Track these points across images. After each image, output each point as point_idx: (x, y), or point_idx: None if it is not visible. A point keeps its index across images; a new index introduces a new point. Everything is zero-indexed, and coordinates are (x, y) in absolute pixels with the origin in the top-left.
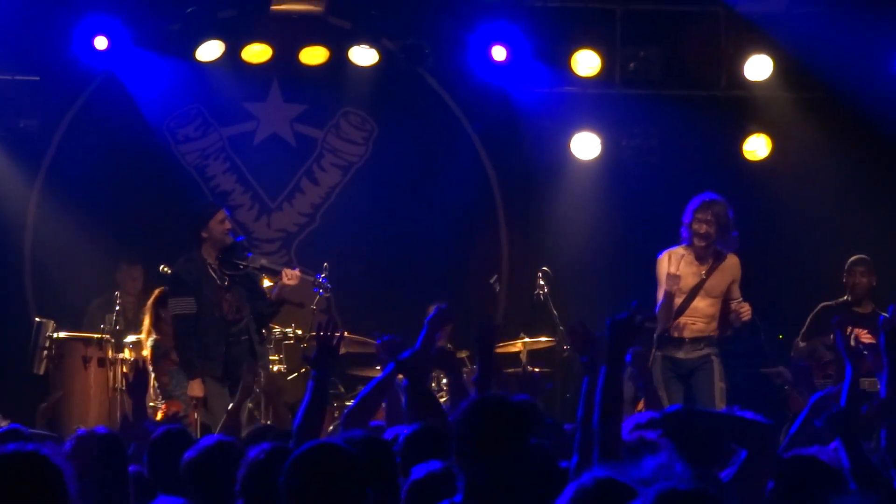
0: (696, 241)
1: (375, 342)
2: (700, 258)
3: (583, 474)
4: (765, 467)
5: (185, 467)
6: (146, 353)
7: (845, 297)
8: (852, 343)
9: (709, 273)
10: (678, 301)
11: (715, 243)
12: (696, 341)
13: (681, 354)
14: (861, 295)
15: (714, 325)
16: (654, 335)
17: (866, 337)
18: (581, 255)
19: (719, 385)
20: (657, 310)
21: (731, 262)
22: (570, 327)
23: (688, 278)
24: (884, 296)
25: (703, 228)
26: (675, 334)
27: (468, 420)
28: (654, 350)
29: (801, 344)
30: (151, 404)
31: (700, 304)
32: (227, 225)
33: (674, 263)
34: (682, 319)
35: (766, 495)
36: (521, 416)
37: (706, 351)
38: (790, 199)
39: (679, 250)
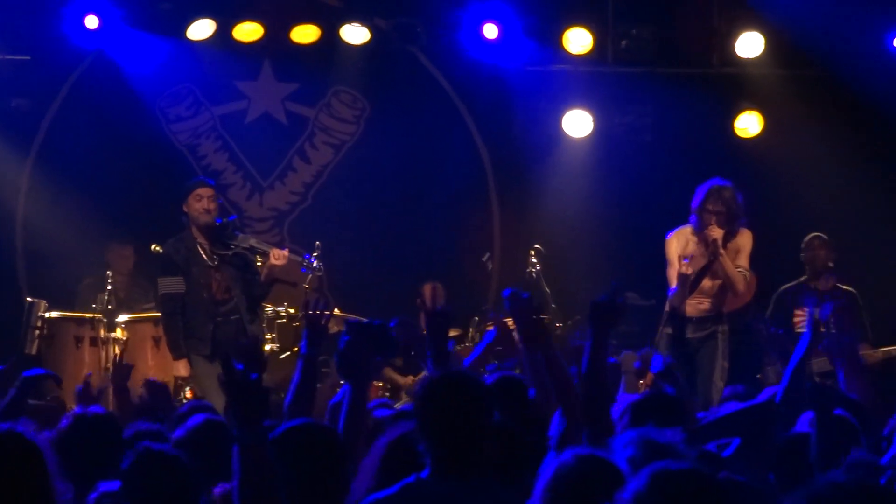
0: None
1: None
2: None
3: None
4: (766, 445)
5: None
6: None
7: (804, 276)
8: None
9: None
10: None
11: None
12: (703, 321)
13: (687, 333)
14: (820, 269)
15: (722, 303)
16: (664, 313)
17: None
18: (573, 232)
19: (722, 364)
20: (670, 293)
21: (740, 240)
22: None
23: (696, 259)
24: (872, 272)
25: (712, 220)
26: (681, 313)
27: (431, 396)
28: (661, 328)
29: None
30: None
31: (707, 284)
32: (204, 203)
33: (681, 245)
34: (690, 300)
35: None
36: (482, 392)
37: (712, 329)
38: (782, 176)
39: (687, 230)
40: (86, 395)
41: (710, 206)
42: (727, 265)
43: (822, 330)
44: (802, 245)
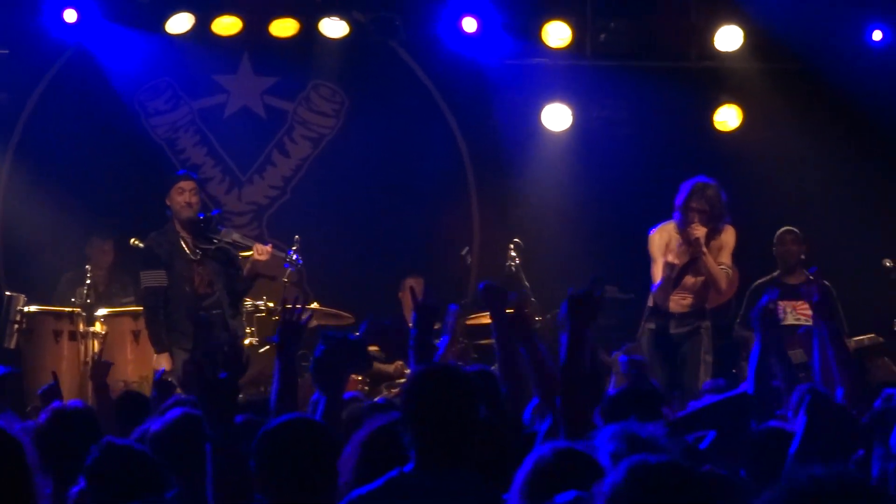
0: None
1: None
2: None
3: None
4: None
5: (152, 440)
6: None
7: (776, 271)
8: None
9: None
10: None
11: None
12: (685, 316)
13: (670, 329)
14: (792, 264)
15: (705, 299)
16: (646, 308)
17: (802, 307)
18: (552, 226)
19: (705, 359)
20: (654, 289)
21: (723, 238)
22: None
23: (679, 255)
24: (850, 265)
25: (695, 218)
26: (665, 308)
27: (419, 389)
28: (643, 323)
29: (738, 328)
30: None
31: (690, 280)
32: (186, 197)
33: (664, 241)
34: (672, 295)
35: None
36: (471, 386)
37: (695, 324)
38: (761, 169)
39: (670, 226)
40: (51, 395)
41: (693, 204)
42: (710, 263)
43: (769, 318)
44: (774, 240)
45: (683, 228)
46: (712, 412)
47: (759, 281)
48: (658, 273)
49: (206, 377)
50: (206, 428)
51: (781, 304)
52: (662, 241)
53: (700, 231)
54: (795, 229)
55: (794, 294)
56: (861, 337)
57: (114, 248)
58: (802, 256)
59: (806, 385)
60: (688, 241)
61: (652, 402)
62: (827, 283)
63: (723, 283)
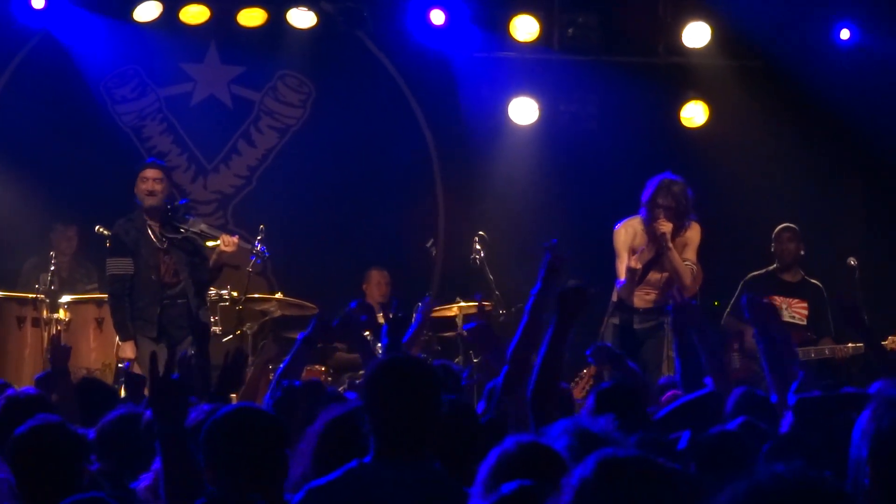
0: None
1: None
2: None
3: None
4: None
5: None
6: None
7: (773, 266)
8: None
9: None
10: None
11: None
12: (649, 312)
13: (634, 324)
14: (790, 262)
15: (669, 295)
16: (610, 303)
17: (798, 305)
18: (517, 219)
19: (669, 355)
20: (618, 285)
21: (688, 234)
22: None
23: (644, 251)
24: (816, 263)
25: (661, 214)
26: (628, 304)
27: (379, 379)
28: (606, 318)
29: (728, 317)
30: None
31: (655, 276)
32: (150, 185)
33: (629, 236)
34: (637, 291)
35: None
36: (433, 377)
37: (659, 320)
38: (727, 166)
39: (636, 221)
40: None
41: (660, 201)
42: (675, 259)
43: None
44: (773, 236)
45: (649, 224)
46: (686, 411)
47: (754, 273)
48: (622, 268)
49: (156, 377)
50: (155, 426)
51: (777, 300)
52: (628, 235)
53: (666, 227)
54: (793, 226)
55: (789, 291)
56: (859, 344)
57: (77, 235)
58: (802, 253)
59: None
60: (653, 237)
61: (637, 399)
62: (819, 284)
63: (687, 280)
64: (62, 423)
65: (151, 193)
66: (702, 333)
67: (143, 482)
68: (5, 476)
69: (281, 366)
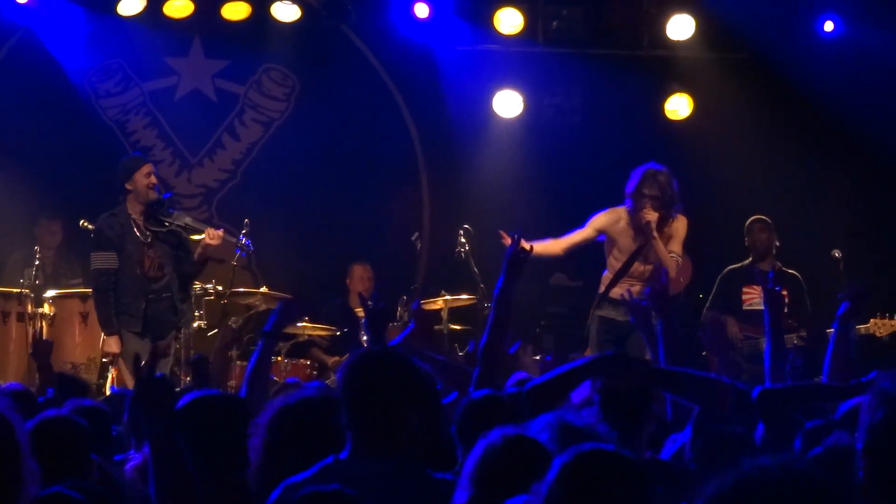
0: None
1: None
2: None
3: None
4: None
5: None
6: None
7: (749, 259)
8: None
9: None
10: (616, 265)
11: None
12: None
13: (618, 316)
14: (763, 252)
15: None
16: (597, 295)
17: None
18: (502, 213)
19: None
20: (604, 273)
21: (674, 225)
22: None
23: (629, 241)
24: (800, 255)
25: (647, 203)
26: (613, 296)
27: (356, 372)
28: (592, 310)
29: (708, 311)
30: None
31: (640, 268)
32: (153, 179)
33: (610, 220)
34: (622, 283)
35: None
36: (412, 371)
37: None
38: (711, 158)
39: (621, 210)
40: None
41: (645, 191)
42: (660, 249)
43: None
44: (745, 228)
45: (635, 214)
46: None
47: (732, 267)
48: (573, 236)
49: (141, 376)
50: (143, 426)
51: (754, 289)
52: (607, 218)
53: (651, 215)
54: (765, 217)
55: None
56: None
57: (62, 229)
58: (777, 244)
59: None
60: (638, 228)
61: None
62: (797, 274)
63: (672, 271)
64: (68, 416)
65: (154, 187)
66: (666, 326)
67: (133, 461)
68: None
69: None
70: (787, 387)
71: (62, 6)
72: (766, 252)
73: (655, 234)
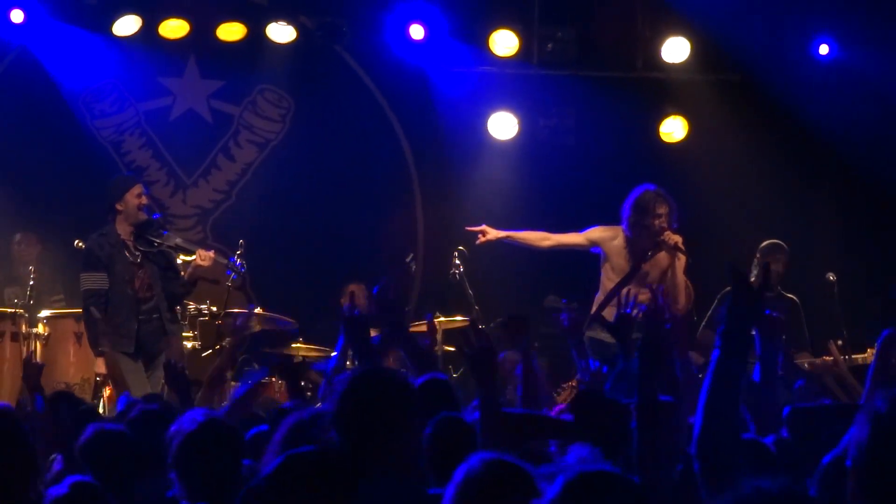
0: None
1: None
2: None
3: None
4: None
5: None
6: None
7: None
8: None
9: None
10: (609, 285)
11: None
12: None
13: (609, 338)
14: (774, 282)
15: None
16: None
17: None
18: None
19: None
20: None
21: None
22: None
23: (623, 262)
24: (795, 277)
25: (664, 222)
26: (605, 317)
27: (351, 391)
28: (584, 331)
29: (704, 331)
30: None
31: (633, 290)
32: (143, 200)
33: (608, 236)
34: (613, 304)
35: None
36: (408, 390)
37: (636, 336)
38: (706, 181)
39: (620, 229)
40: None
41: (658, 210)
42: (679, 273)
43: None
44: (760, 249)
45: (630, 236)
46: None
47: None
48: (566, 237)
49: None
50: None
51: None
52: (604, 233)
53: (676, 237)
54: (781, 243)
55: (766, 305)
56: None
57: (39, 241)
58: (780, 270)
59: None
60: (634, 253)
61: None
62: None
63: (682, 298)
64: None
65: (146, 208)
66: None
67: None
68: None
69: (240, 388)
70: (817, 406)
71: (58, 26)
72: (777, 281)
73: (682, 253)
